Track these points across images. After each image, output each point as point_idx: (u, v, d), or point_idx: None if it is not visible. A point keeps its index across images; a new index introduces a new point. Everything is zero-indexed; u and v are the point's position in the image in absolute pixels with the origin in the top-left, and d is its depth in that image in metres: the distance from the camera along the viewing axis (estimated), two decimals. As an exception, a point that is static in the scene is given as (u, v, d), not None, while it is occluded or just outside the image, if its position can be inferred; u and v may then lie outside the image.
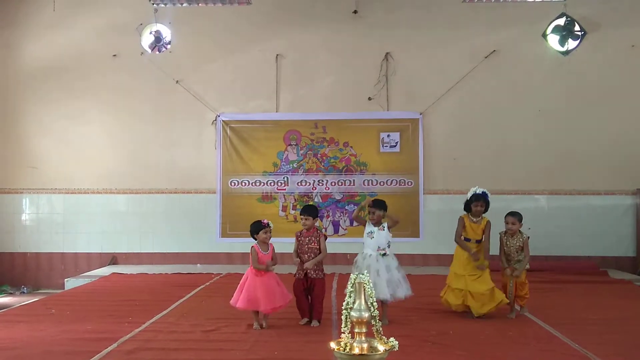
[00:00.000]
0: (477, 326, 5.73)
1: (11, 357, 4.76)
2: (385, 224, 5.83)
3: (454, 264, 6.13)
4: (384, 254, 5.74)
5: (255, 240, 5.68)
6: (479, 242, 6.04)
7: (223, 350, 4.88)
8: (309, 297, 5.80)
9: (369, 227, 5.87)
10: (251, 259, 5.64)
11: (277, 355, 4.75)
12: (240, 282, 5.69)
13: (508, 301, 6.00)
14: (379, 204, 5.88)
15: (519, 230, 6.09)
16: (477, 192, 6.03)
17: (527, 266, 6.10)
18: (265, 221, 5.67)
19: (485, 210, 6.07)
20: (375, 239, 5.78)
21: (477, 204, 6.01)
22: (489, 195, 6.06)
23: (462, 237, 6.09)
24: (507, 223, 6.08)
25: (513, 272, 5.99)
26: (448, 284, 6.14)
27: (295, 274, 5.85)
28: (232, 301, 5.65)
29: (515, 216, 6.06)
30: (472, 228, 6.04)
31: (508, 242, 6.06)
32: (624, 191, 9.83)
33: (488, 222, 6.06)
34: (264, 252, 5.62)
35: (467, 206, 6.11)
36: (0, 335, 5.37)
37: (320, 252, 5.74)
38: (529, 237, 6.10)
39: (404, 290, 5.74)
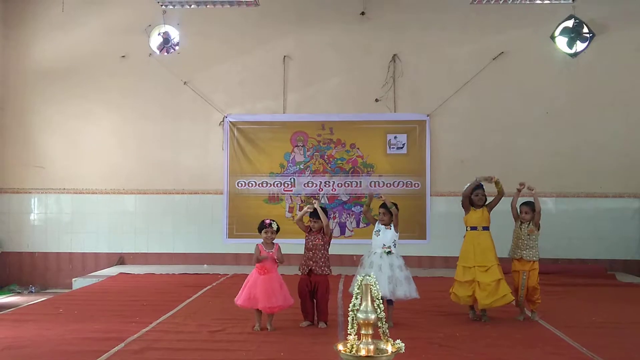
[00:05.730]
0: (485, 329, 5.72)
1: (19, 355, 4.79)
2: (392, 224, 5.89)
3: (461, 258, 6.15)
4: (389, 252, 5.79)
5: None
6: (485, 228, 6.08)
7: (229, 351, 4.89)
8: (314, 300, 5.80)
9: (378, 226, 5.96)
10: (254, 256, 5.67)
11: (283, 357, 4.75)
12: (245, 281, 5.72)
13: (513, 299, 5.99)
14: (390, 207, 5.90)
15: None
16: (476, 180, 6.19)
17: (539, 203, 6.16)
18: (267, 221, 5.68)
19: (485, 202, 6.15)
20: (381, 236, 5.88)
21: (478, 192, 6.14)
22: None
23: (468, 227, 6.14)
24: (521, 212, 6.20)
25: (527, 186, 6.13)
26: (456, 279, 6.15)
27: (299, 268, 5.85)
28: (235, 299, 5.68)
29: (528, 205, 6.20)
30: (476, 214, 6.13)
31: (520, 228, 6.16)
32: (633, 194, 9.77)
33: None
34: (268, 251, 5.63)
35: (468, 200, 6.18)
36: (9, 334, 5.41)
37: (324, 249, 5.77)
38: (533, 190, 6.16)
39: (403, 290, 5.73)
